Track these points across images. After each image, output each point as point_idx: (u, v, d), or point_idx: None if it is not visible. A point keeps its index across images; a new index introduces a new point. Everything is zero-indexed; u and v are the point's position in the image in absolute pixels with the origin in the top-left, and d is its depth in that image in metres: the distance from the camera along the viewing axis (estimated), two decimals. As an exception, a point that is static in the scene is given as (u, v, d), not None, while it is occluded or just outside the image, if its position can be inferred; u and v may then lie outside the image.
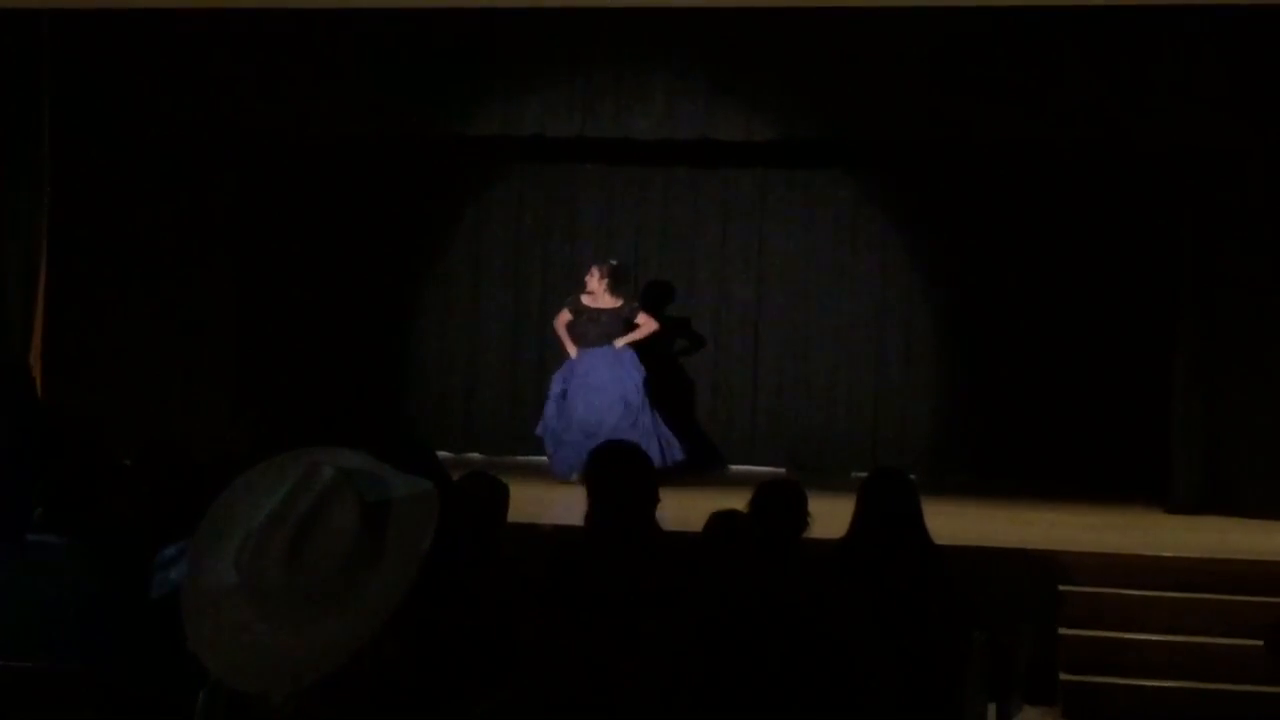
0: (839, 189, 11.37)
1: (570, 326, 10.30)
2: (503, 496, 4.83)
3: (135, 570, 3.74)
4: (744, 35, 9.44)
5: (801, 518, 5.05)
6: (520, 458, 10.97)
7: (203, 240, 10.48)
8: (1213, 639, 7.22)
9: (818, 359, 11.37)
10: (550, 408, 10.19)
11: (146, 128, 10.11)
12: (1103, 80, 9.12)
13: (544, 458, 10.32)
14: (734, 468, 11.17)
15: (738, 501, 5.07)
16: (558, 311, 10.46)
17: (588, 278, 10.32)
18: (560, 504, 8.84)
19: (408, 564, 1.78)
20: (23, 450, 4.23)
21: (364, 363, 11.51)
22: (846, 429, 11.27)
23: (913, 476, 5.67)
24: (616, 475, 4.53)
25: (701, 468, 10.74)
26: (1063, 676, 7.23)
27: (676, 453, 9.98)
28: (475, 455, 11.22)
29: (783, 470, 10.60)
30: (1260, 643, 5.15)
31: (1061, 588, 7.56)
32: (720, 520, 4.76)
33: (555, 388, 10.21)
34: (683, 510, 5.90)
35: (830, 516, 5.21)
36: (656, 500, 4.57)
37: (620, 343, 10.20)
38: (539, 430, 10.31)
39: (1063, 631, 7.39)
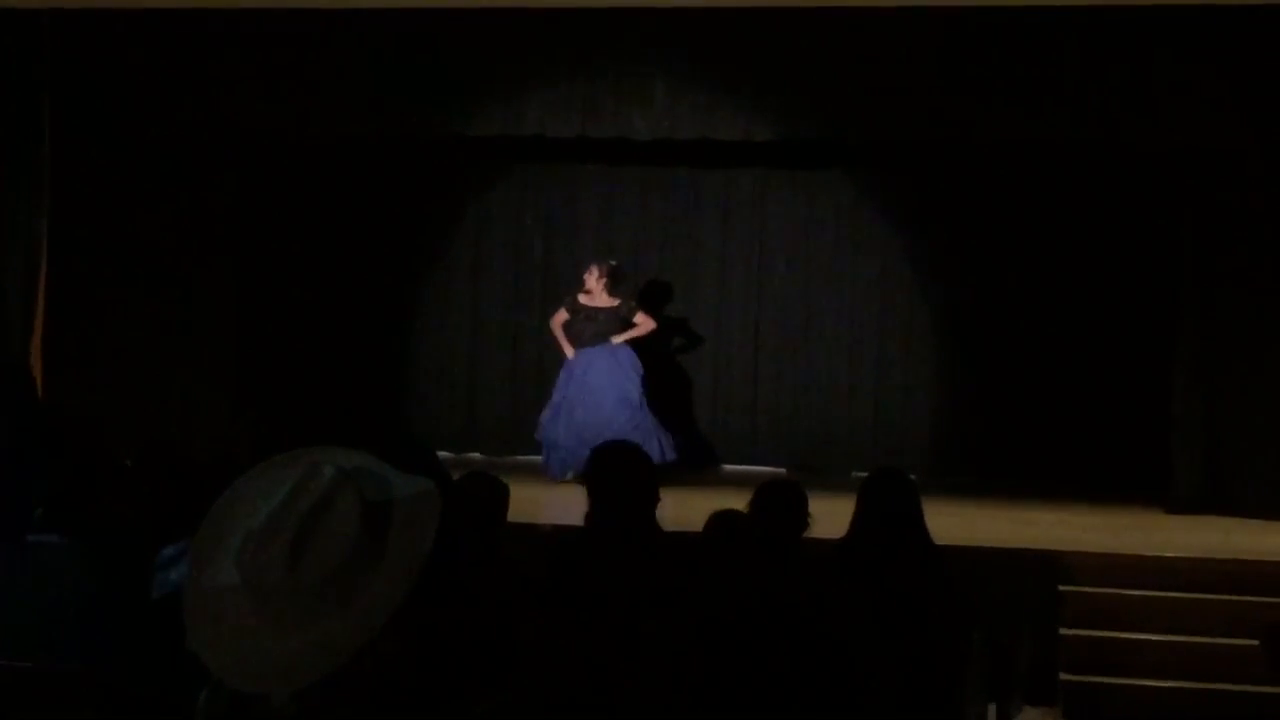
0: (839, 189, 11.37)
1: (567, 325, 10.30)
2: (503, 496, 4.83)
3: (135, 570, 3.74)
4: (744, 35, 9.44)
5: (802, 518, 5.05)
6: (520, 458, 10.97)
7: (203, 240, 10.48)
8: (1213, 639, 7.22)
9: (818, 359, 11.37)
10: (547, 413, 10.20)
11: (147, 128, 10.11)
12: (1103, 80, 9.12)
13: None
14: (735, 468, 11.17)
15: (738, 501, 5.06)
16: (556, 311, 10.47)
17: (586, 275, 10.32)
18: (560, 504, 8.84)
19: (409, 564, 1.78)
20: (23, 450, 4.23)
21: (364, 363, 11.51)
22: (847, 429, 11.27)
23: (913, 476, 5.66)
24: (617, 475, 4.53)
25: (696, 466, 10.75)
26: (1063, 677, 7.22)
27: (672, 451, 9.98)
28: (476, 455, 11.23)
29: (783, 470, 10.60)
30: (1257, 643, 5.15)
31: (1062, 588, 7.56)
32: (720, 520, 4.75)
33: (556, 396, 10.21)
34: (682, 510, 5.90)
35: (830, 516, 5.21)
36: (657, 500, 4.57)
37: (617, 340, 10.20)
38: (537, 435, 10.31)
39: (1063, 632, 7.39)
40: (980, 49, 9.25)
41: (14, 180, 10.22)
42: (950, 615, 4.74)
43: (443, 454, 8.00)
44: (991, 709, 5.34)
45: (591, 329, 10.20)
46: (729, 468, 11.23)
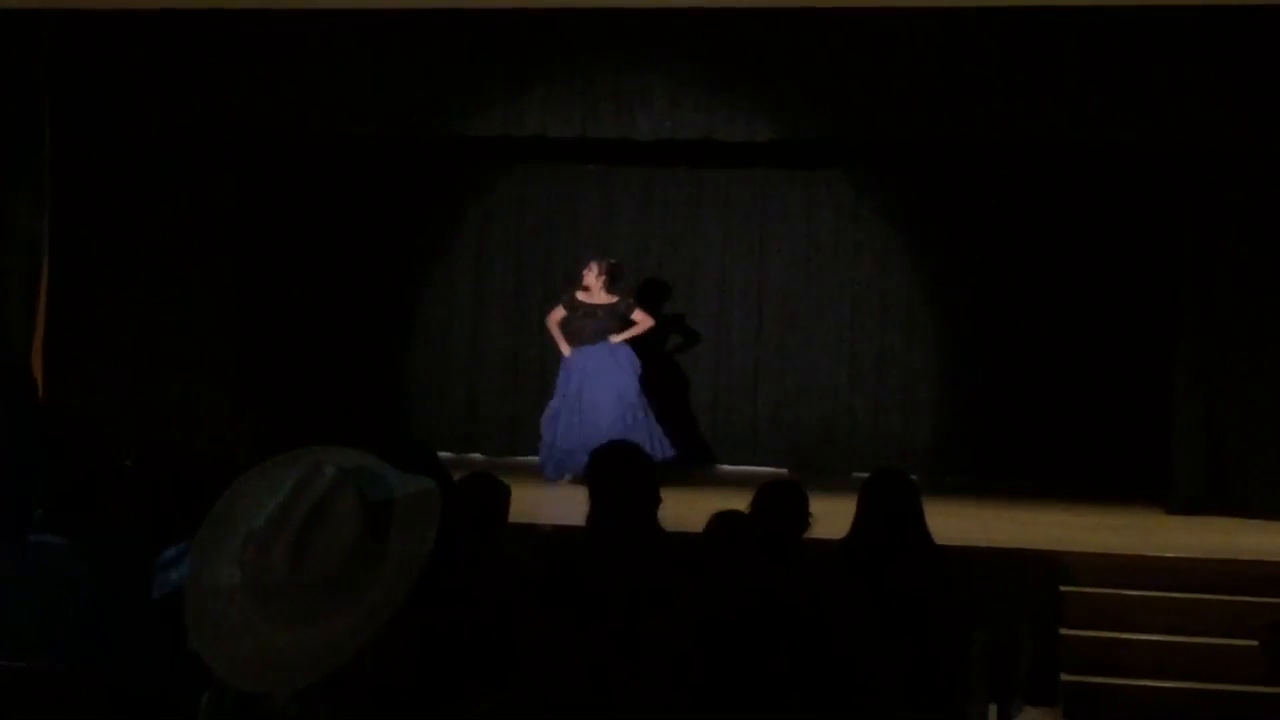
0: (839, 189, 11.37)
1: (565, 322, 10.30)
2: (504, 497, 4.83)
3: (136, 571, 3.74)
4: (745, 36, 9.44)
5: (803, 518, 5.05)
6: (521, 458, 10.97)
7: (203, 240, 10.48)
8: (1213, 639, 7.22)
9: (819, 359, 11.37)
10: (546, 413, 10.21)
11: (147, 128, 10.11)
12: (1103, 80, 9.11)
13: (545, 459, 10.34)
14: (736, 468, 11.17)
15: (739, 502, 5.06)
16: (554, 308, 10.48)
17: (585, 272, 10.33)
18: (560, 504, 8.84)
19: (410, 563, 1.78)
20: (24, 451, 4.23)
21: (365, 363, 11.51)
22: (847, 429, 11.27)
23: (914, 477, 5.66)
24: (618, 476, 4.54)
25: (692, 466, 10.77)
26: (1063, 677, 7.22)
27: (670, 448, 9.98)
28: (476, 456, 11.23)
29: (784, 470, 10.60)
30: (1257, 643, 5.15)
31: (1062, 588, 7.56)
32: (721, 520, 4.75)
33: (556, 396, 10.21)
34: (683, 510, 5.89)
35: (831, 517, 5.21)
36: (658, 501, 4.57)
37: (617, 339, 10.21)
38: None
39: (1063, 632, 7.39)
40: (980, 49, 9.24)
41: (15, 181, 10.22)
42: (951, 615, 4.74)
43: (443, 455, 7.99)
44: (992, 709, 5.34)
45: (590, 326, 10.20)
46: (730, 468, 11.23)
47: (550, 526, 7.67)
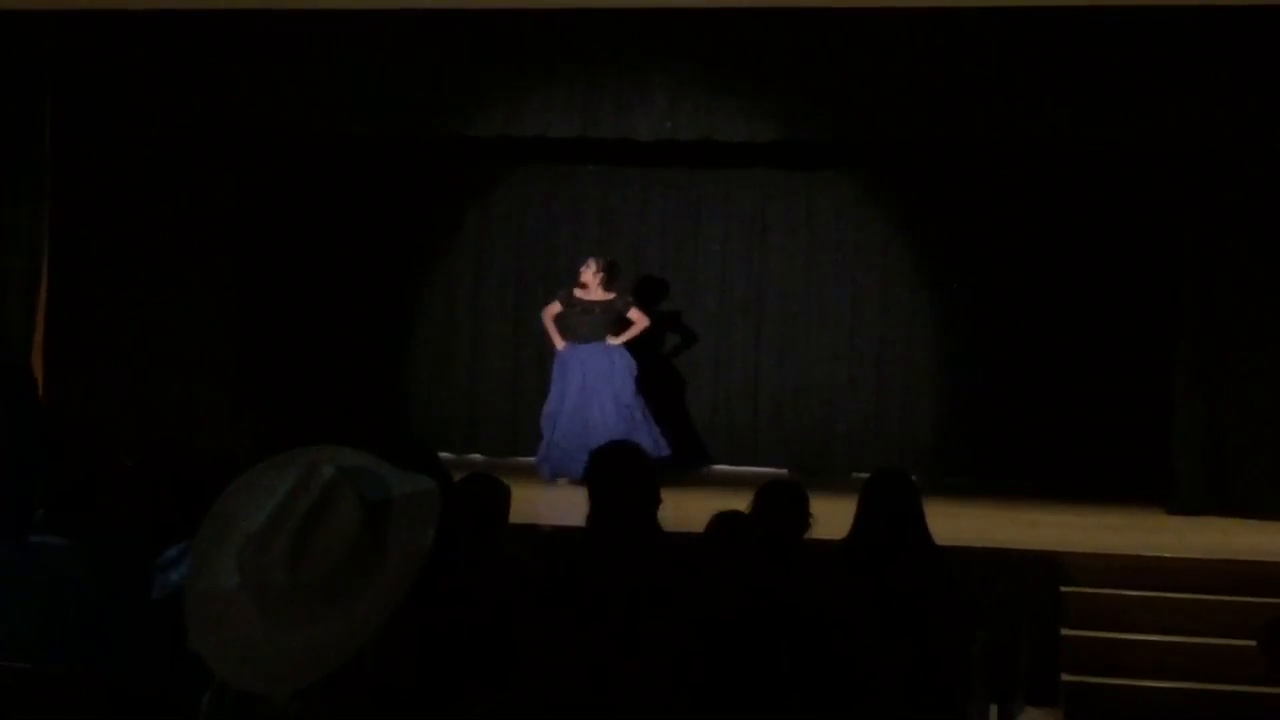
0: (840, 190, 11.37)
1: (561, 318, 10.33)
2: (504, 497, 4.82)
3: (137, 571, 3.74)
4: (745, 36, 9.44)
5: (803, 518, 5.05)
6: (522, 459, 10.97)
7: (203, 241, 10.48)
8: (1214, 640, 7.22)
9: (819, 360, 11.37)
10: (545, 410, 10.22)
11: (147, 128, 10.11)
12: (1103, 80, 9.11)
13: (545, 459, 10.34)
14: (736, 468, 11.17)
15: (739, 502, 5.06)
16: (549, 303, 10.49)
17: (583, 269, 10.36)
18: (560, 504, 8.84)
19: (409, 561, 1.78)
20: (24, 451, 4.23)
21: (365, 364, 11.51)
22: (848, 429, 11.27)
23: (914, 477, 5.66)
24: (618, 476, 4.54)
25: (692, 466, 10.79)
26: (1064, 677, 7.22)
27: (666, 446, 9.99)
28: (477, 456, 11.23)
29: (784, 471, 10.60)
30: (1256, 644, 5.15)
31: (1063, 589, 7.56)
32: (722, 521, 4.75)
33: (553, 396, 10.22)
34: (684, 511, 5.90)
35: (832, 517, 5.21)
36: (658, 501, 4.57)
37: (614, 341, 10.22)
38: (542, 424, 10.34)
39: (1064, 632, 7.39)
40: (980, 49, 9.25)
41: (15, 181, 10.22)
42: (952, 616, 4.74)
43: (444, 455, 8.00)
44: (993, 709, 5.34)
45: (588, 323, 10.23)
46: (730, 468, 11.22)
47: (550, 527, 7.66)
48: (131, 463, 4.67)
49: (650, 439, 9.66)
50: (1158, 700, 7.04)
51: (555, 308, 10.38)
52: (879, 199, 11.32)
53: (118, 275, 10.37)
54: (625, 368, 10.18)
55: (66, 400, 9.48)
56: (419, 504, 1.82)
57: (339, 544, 1.75)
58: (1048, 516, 9.07)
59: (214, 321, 10.54)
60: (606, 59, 9.75)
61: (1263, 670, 5.31)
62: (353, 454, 1.87)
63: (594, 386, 10.07)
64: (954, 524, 7.46)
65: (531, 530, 7.26)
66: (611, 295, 10.34)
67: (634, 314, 10.39)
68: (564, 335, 10.31)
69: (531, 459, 10.51)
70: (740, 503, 5.06)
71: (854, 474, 9.66)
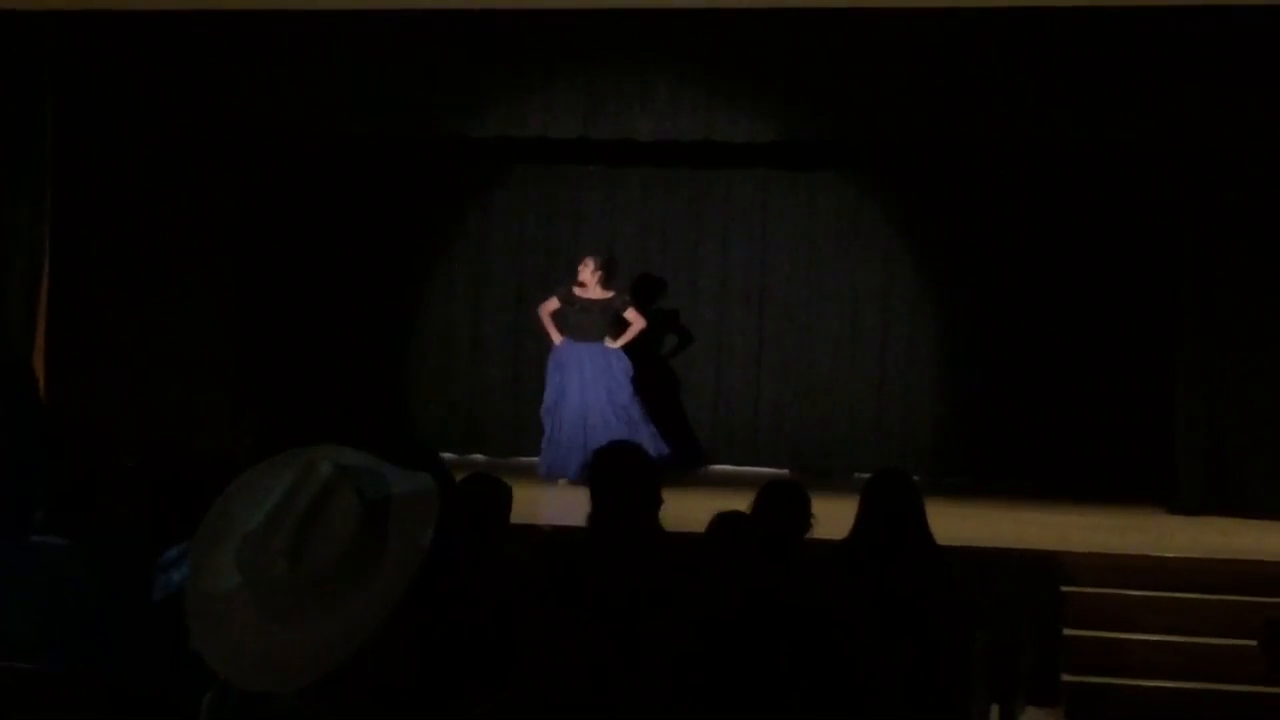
0: (840, 190, 11.37)
1: (559, 316, 10.35)
2: (506, 497, 4.82)
3: (138, 571, 3.74)
4: (746, 37, 9.44)
5: (804, 518, 5.05)
6: (523, 459, 10.97)
7: (204, 241, 10.49)
8: (1215, 639, 7.22)
9: (820, 360, 11.37)
10: (543, 406, 10.23)
11: (148, 129, 10.12)
12: (1103, 80, 9.12)
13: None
14: (737, 469, 11.17)
15: (740, 502, 5.06)
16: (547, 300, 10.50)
17: (581, 267, 10.38)
18: (561, 505, 8.84)
19: (409, 558, 1.78)
20: (25, 451, 4.23)
21: (366, 364, 11.51)
22: (849, 430, 11.27)
23: (915, 477, 5.66)
24: (619, 476, 4.53)
25: (692, 466, 10.79)
26: (1065, 677, 7.22)
27: (663, 444, 10.00)
28: (478, 456, 11.23)
29: (785, 471, 10.60)
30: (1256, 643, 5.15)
31: (1064, 588, 7.56)
32: (723, 521, 4.75)
33: (550, 393, 10.23)
34: (685, 511, 5.90)
35: (833, 517, 5.21)
36: (659, 501, 4.57)
37: (612, 344, 10.24)
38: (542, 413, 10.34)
39: (1065, 632, 7.39)
40: (980, 49, 9.25)
41: (16, 181, 10.22)
42: (953, 616, 4.74)
43: (445, 455, 8.00)
44: (994, 709, 5.34)
45: (587, 321, 10.24)
46: (731, 469, 11.23)
47: (551, 527, 7.67)
48: (134, 463, 4.67)
49: (648, 440, 9.67)
50: (1158, 700, 7.04)
51: (552, 304, 10.40)
52: (879, 199, 11.32)
53: (118, 275, 10.37)
54: (622, 370, 10.20)
55: (67, 400, 9.48)
56: (418, 502, 1.82)
57: (338, 541, 1.75)
58: (1048, 516, 9.07)
59: (214, 321, 10.55)
60: (607, 59, 9.75)
61: (1263, 670, 5.31)
62: (349, 453, 1.87)
63: (592, 388, 10.08)
64: (955, 524, 7.46)
65: (532, 530, 7.26)
66: (610, 294, 10.36)
67: (630, 314, 10.40)
68: (563, 332, 10.32)
69: (532, 459, 10.51)
70: (741, 503, 5.06)
71: (855, 474, 9.65)
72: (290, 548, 1.74)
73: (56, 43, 10.11)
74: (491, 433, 11.62)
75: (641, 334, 10.48)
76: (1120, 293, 10.54)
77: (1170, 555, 7.85)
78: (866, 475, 5.40)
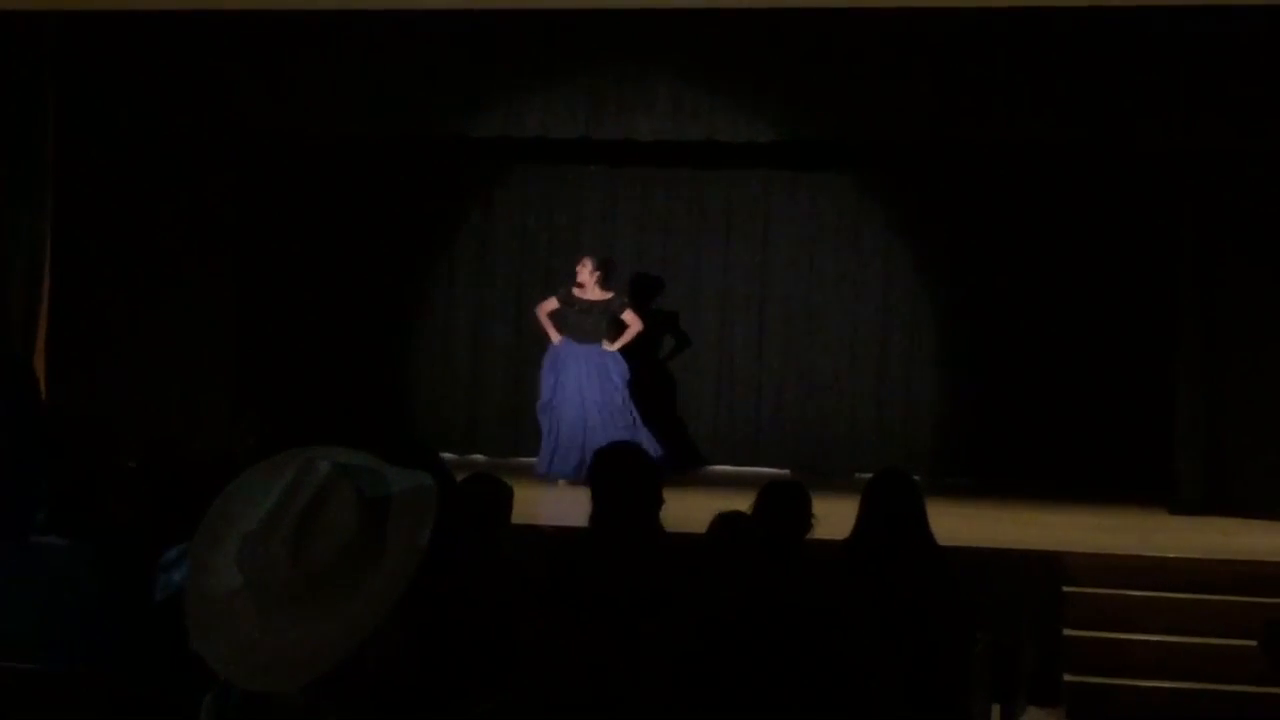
0: (841, 190, 11.38)
1: (558, 316, 10.35)
2: (506, 498, 4.83)
3: (138, 572, 3.74)
4: (747, 37, 9.44)
5: (805, 519, 5.05)
6: (523, 459, 10.96)
7: (204, 241, 10.49)
8: (1216, 640, 7.22)
9: (821, 360, 11.37)
10: (540, 405, 10.24)
11: (149, 129, 10.12)
12: (1103, 80, 9.12)
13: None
14: (738, 469, 11.17)
15: (741, 503, 5.06)
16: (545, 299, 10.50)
17: (579, 268, 10.37)
18: (561, 505, 8.84)
19: (408, 557, 1.78)
20: (26, 451, 4.23)
21: (367, 364, 11.51)
22: (850, 430, 11.27)
23: (916, 477, 5.66)
24: (620, 477, 4.53)
25: (693, 466, 10.79)
26: (1066, 677, 7.22)
27: (657, 446, 9.99)
28: (479, 457, 11.23)
29: (786, 471, 10.60)
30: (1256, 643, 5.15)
31: (1065, 589, 7.56)
32: (724, 521, 4.75)
33: (545, 391, 10.23)
34: (686, 511, 5.89)
35: (834, 517, 5.21)
36: (660, 502, 4.57)
37: (609, 347, 10.25)
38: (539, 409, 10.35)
39: (1066, 632, 7.39)
40: (980, 49, 9.25)
41: (17, 181, 10.22)
42: (954, 616, 4.74)
43: (445, 455, 8.00)
44: (995, 710, 5.34)
45: (586, 321, 10.24)
46: (732, 469, 11.22)
47: (551, 527, 7.66)
48: (134, 463, 4.67)
49: (644, 443, 9.66)
50: (1159, 700, 7.04)
51: (550, 304, 10.41)
52: (879, 199, 11.32)
53: (119, 275, 10.38)
54: (619, 372, 10.21)
55: (68, 400, 9.48)
56: (417, 501, 1.82)
57: (337, 539, 1.75)
58: (1049, 516, 9.07)
59: (214, 321, 10.55)
60: (608, 59, 9.75)
61: (1263, 670, 5.32)
62: (348, 451, 1.87)
63: (584, 388, 10.09)
64: (955, 524, 7.45)
65: (533, 530, 7.26)
66: (608, 295, 10.35)
67: (628, 316, 10.40)
68: (562, 332, 10.32)
69: (533, 459, 10.51)
70: (742, 503, 5.06)
71: (856, 474, 9.65)
72: (289, 545, 1.74)
73: (57, 43, 10.11)
74: (491, 433, 11.62)
75: (640, 335, 10.48)
76: (1120, 293, 10.54)
77: (1170, 555, 7.85)
78: (867, 475, 5.40)
